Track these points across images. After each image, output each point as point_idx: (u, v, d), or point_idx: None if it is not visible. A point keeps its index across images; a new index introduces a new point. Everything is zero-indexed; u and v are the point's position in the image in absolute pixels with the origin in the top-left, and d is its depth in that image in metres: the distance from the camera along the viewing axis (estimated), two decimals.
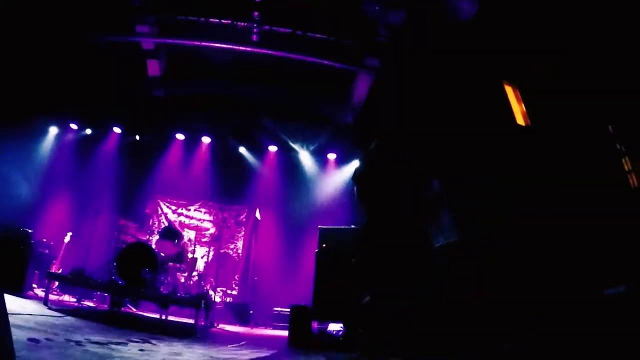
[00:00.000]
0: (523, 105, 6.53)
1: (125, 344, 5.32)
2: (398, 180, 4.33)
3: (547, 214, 5.62)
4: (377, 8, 9.78)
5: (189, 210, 15.57)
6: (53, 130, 14.47)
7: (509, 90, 6.62)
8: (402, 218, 4.24)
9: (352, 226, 8.79)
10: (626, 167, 5.51)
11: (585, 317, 4.70)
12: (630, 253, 4.83)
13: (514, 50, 6.58)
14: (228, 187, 15.45)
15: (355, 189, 4.67)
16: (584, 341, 4.50)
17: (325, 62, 11.70)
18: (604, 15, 5.49)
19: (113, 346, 4.98)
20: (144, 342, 5.70)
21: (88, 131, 14.75)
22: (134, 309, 10.20)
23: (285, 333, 8.62)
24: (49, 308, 7.14)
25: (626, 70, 5.25)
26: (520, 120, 6.49)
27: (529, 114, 6.46)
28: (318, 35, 11.38)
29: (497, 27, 6.75)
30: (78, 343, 4.72)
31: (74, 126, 14.59)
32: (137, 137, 14.77)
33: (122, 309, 9.19)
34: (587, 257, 5.09)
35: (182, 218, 15.32)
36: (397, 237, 4.19)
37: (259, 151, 15.43)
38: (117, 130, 14.92)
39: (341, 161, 14.86)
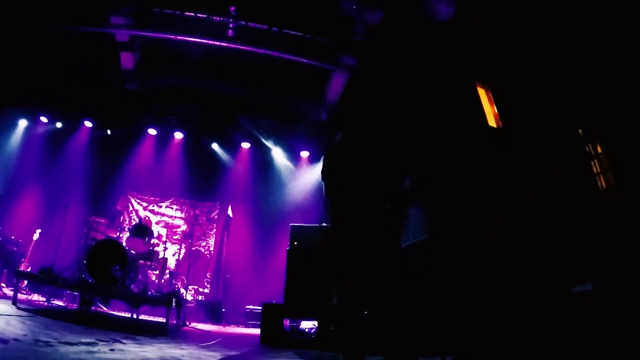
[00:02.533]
0: (495, 107, 6.61)
1: (95, 343, 5.27)
2: (366, 175, 4.32)
3: (517, 214, 5.72)
4: (354, 7, 9.82)
5: (160, 207, 15.37)
6: (23, 123, 14.16)
7: (481, 92, 6.69)
8: (371, 215, 4.24)
9: (324, 224, 8.81)
10: (595, 170, 5.62)
11: (554, 313, 4.81)
12: (598, 252, 4.94)
13: (487, 52, 6.65)
14: (200, 184, 15.36)
15: (323, 184, 4.64)
16: (553, 336, 4.60)
17: (301, 59, 11.63)
18: (576, 19, 5.58)
19: (83, 346, 4.94)
20: (114, 342, 5.65)
21: (59, 124, 14.34)
22: (105, 308, 10.01)
23: (257, 331, 8.61)
24: (18, 308, 7.02)
25: (596, 75, 5.36)
26: (492, 121, 6.57)
27: (501, 115, 6.54)
28: (294, 33, 11.36)
29: (471, 29, 6.81)
30: (47, 343, 4.67)
31: (44, 119, 14.20)
32: (109, 132, 14.46)
33: (92, 307, 9.01)
34: (556, 256, 5.20)
35: (152, 215, 15.10)
36: (365, 235, 4.19)
37: (231, 148, 15.35)
38: (88, 124, 14.54)
39: (314, 159, 14.86)
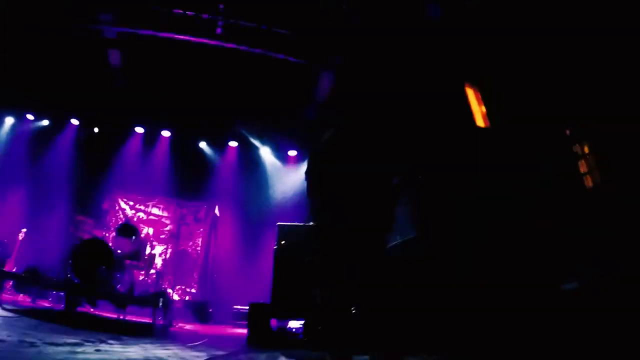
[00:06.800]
0: (484, 107, 6.63)
1: (80, 344, 5.24)
2: (351, 176, 4.30)
3: (505, 212, 5.75)
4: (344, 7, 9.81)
5: (147, 206, 15.26)
6: (9, 121, 14.07)
7: (469, 92, 6.71)
8: (357, 215, 4.22)
9: (311, 223, 8.80)
10: (582, 170, 5.66)
11: (543, 310, 4.85)
12: (585, 250, 4.98)
13: (476, 52, 6.67)
14: (187, 183, 15.28)
15: (306, 183, 4.62)
16: (541, 333, 4.63)
17: (290, 58, 11.60)
18: (565, 18, 5.61)
19: (68, 347, 4.90)
20: (100, 343, 5.61)
21: (45, 122, 14.32)
22: (92, 309, 9.92)
23: (245, 331, 8.57)
24: (3, 308, 6.96)
25: (585, 74, 5.39)
26: (480, 121, 6.58)
27: (489, 115, 6.56)
28: (283, 31, 11.32)
29: (460, 29, 6.83)
30: (32, 344, 4.63)
31: (30, 117, 14.16)
32: (96, 130, 14.39)
33: (79, 308, 8.92)
34: (544, 254, 5.24)
35: (140, 214, 15.02)
36: (350, 234, 4.17)
37: (219, 147, 15.32)
38: (74, 122, 14.53)
39: (302, 158, 14.83)
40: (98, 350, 5.01)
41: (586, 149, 5.65)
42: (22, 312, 6.94)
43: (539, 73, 5.89)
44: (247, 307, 9.12)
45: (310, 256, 7.73)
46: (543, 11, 5.79)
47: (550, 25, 5.70)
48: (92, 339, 5.73)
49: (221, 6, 10.92)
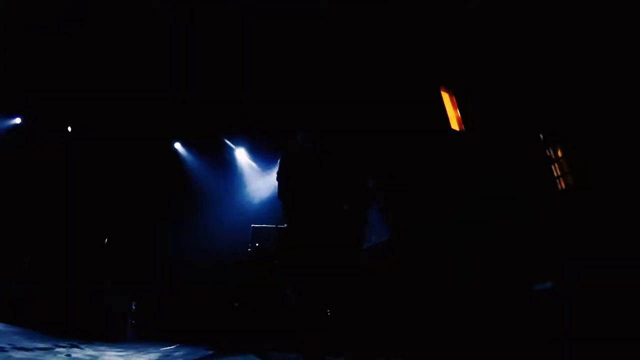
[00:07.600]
0: (458, 111, 6.68)
1: (51, 349, 5.18)
2: (324, 177, 4.30)
3: (479, 215, 5.80)
4: None
5: None
6: None
7: (445, 95, 6.76)
8: (328, 216, 4.23)
9: (284, 225, 8.79)
10: (555, 173, 5.73)
11: (516, 308, 4.92)
12: (556, 252, 5.05)
13: (452, 57, 6.72)
14: None
15: (278, 185, 4.60)
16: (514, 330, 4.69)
17: None
18: (537, 27, 5.68)
19: (39, 352, 4.85)
20: (71, 347, 5.56)
21: None
22: None
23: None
24: None
25: (558, 80, 5.46)
26: (454, 125, 6.64)
27: (464, 119, 6.62)
28: None
29: (435, 33, 6.87)
30: (2, 349, 4.57)
31: None
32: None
33: None
34: (518, 256, 5.30)
35: None
36: (321, 236, 4.18)
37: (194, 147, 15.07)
38: None
39: (275, 159, 14.66)
40: (69, 356, 4.96)
41: (559, 153, 5.73)
42: None
43: (514, 79, 5.95)
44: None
45: (281, 256, 7.73)
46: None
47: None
48: (64, 344, 5.67)
49: None
